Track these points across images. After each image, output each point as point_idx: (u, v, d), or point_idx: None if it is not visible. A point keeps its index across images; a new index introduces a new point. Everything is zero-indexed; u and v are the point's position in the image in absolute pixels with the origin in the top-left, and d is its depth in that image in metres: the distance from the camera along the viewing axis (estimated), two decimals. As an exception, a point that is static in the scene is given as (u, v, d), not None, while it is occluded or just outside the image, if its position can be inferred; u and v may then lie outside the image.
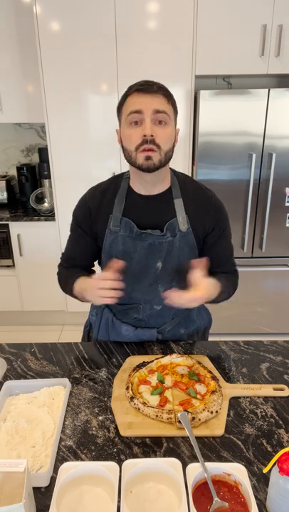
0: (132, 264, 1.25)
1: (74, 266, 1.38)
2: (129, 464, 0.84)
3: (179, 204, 1.23)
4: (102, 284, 1.11)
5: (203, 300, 1.14)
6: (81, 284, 1.26)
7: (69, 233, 1.38)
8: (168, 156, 1.15)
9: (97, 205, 1.27)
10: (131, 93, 1.11)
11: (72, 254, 1.38)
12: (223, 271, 1.32)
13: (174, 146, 1.17)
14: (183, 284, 1.26)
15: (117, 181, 1.28)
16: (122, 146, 1.17)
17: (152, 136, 1.09)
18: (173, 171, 1.28)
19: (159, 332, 1.35)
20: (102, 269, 1.38)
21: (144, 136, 1.09)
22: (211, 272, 1.27)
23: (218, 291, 1.23)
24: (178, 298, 1.09)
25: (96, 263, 1.42)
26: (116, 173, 2.98)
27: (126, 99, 1.12)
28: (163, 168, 1.16)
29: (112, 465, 0.83)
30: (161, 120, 1.10)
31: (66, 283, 1.33)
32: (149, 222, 1.23)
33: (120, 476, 0.81)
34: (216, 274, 1.26)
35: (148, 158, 1.11)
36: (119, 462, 0.87)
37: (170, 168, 1.26)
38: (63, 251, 1.41)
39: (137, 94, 1.09)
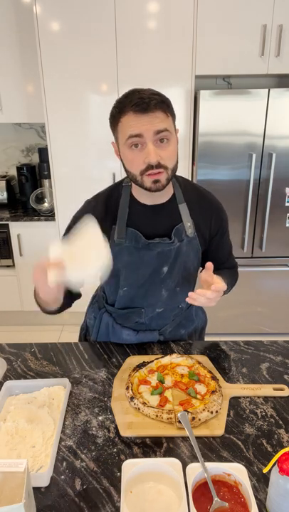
0: (139, 274, 1.23)
1: None
2: (129, 463, 0.84)
3: (184, 209, 1.21)
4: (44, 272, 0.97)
5: (221, 293, 1.09)
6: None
7: None
8: (174, 171, 1.11)
9: (98, 217, 1.16)
10: (127, 112, 1.02)
11: None
12: (226, 267, 1.36)
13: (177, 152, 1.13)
14: (186, 288, 1.27)
15: (117, 190, 1.24)
16: (123, 164, 1.12)
17: (157, 161, 1.04)
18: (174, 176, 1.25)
19: (160, 334, 1.34)
20: (104, 278, 1.36)
21: (150, 162, 1.04)
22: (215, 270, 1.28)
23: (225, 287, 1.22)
24: (203, 297, 1.04)
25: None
26: (116, 173, 2.97)
27: (121, 117, 1.04)
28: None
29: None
30: (162, 138, 1.04)
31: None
32: (155, 231, 1.20)
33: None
34: (218, 271, 1.26)
35: (156, 181, 1.07)
36: (119, 462, 0.87)
37: None
38: None
39: (134, 115, 1.01)
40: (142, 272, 1.23)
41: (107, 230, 1.19)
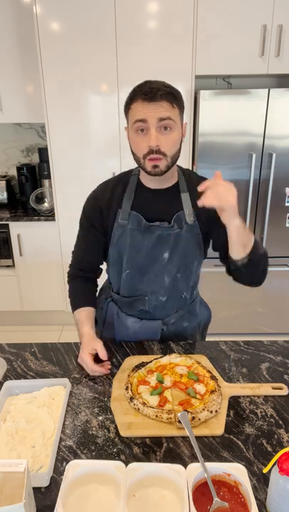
0: (140, 257, 1.27)
1: (84, 267, 1.39)
2: (134, 467, 0.83)
3: (185, 198, 1.26)
4: (90, 371, 1.17)
5: (234, 197, 1.06)
6: (79, 326, 1.30)
7: (70, 235, 1.38)
8: (175, 159, 1.18)
9: (108, 201, 1.29)
10: (136, 99, 1.12)
11: (83, 254, 1.38)
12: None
13: (181, 142, 1.19)
14: (187, 275, 1.32)
15: (127, 177, 1.31)
16: (131, 147, 1.20)
17: (158, 145, 1.11)
18: (179, 167, 1.31)
19: (164, 324, 1.36)
20: (108, 265, 1.39)
21: (150, 146, 1.11)
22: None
23: (252, 240, 1.16)
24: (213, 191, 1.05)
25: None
26: (116, 173, 2.98)
27: (131, 104, 1.14)
28: (171, 168, 1.20)
29: (118, 464, 0.82)
30: (166, 126, 1.11)
31: (71, 300, 1.39)
32: (156, 216, 1.25)
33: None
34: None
35: (155, 166, 1.15)
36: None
37: (176, 165, 1.29)
38: (73, 250, 1.41)
39: (142, 103, 1.10)
40: (143, 255, 1.27)
41: (113, 214, 1.28)
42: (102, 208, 1.29)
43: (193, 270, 1.33)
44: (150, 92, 1.09)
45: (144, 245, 1.26)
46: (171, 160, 1.16)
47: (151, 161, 1.14)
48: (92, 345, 1.20)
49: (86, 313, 1.32)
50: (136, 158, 1.19)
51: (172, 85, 1.14)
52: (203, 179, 1.31)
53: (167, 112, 1.10)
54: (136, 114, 1.12)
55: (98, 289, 1.49)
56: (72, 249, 1.42)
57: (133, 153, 1.19)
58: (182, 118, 1.18)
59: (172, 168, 1.22)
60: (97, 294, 1.51)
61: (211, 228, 1.28)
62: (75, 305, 1.36)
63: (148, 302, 1.33)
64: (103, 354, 1.18)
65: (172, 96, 1.12)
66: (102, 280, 1.48)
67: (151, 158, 1.14)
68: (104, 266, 1.42)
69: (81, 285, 1.39)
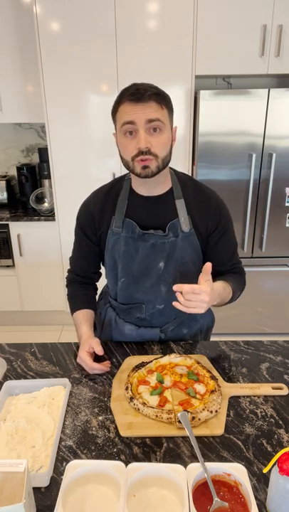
0: (134, 265, 1.25)
1: (80, 273, 1.40)
2: (134, 467, 0.83)
3: (180, 204, 1.22)
4: (89, 369, 1.17)
5: (210, 298, 1.06)
6: (77, 327, 1.32)
7: (70, 235, 1.39)
8: (166, 161, 1.15)
9: (100, 209, 1.27)
10: (123, 102, 1.09)
11: (78, 260, 1.39)
12: (228, 268, 1.32)
13: (172, 147, 1.16)
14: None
15: (119, 183, 1.28)
16: (119, 152, 1.17)
17: (147, 147, 1.08)
18: (174, 171, 1.27)
19: (161, 331, 1.35)
20: (105, 271, 1.38)
21: (140, 148, 1.08)
22: (217, 271, 1.27)
23: (230, 293, 1.24)
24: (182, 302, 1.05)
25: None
26: (116, 173, 2.98)
27: (118, 107, 1.11)
28: (162, 171, 1.16)
29: (118, 464, 0.82)
30: (155, 128, 1.09)
31: (70, 304, 1.40)
32: (151, 223, 1.23)
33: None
34: (224, 276, 1.27)
35: (145, 167, 1.11)
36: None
37: (171, 169, 1.26)
38: (70, 255, 1.42)
39: (129, 104, 1.07)
40: (138, 263, 1.25)
41: (106, 221, 1.26)
42: (94, 215, 1.28)
43: (191, 279, 1.30)
44: (137, 92, 1.07)
45: (139, 253, 1.24)
46: (162, 162, 1.12)
47: (141, 162, 1.10)
48: (89, 343, 1.20)
49: (83, 315, 1.32)
50: (125, 163, 1.16)
51: (161, 88, 1.12)
52: (199, 185, 1.29)
53: (156, 113, 1.07)
54: (123, 116, 1.09)
55: (98, 292, 1.49)
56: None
57: (122, 158, 1.16)
58: (172, 121, 1.14)
59: (164, 172, 1.18)
60: (98, 297, 1.51)
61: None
62: (73, 308, 1.36)
63: (145, 310, 1.32)
64: (99, 349, 1.18)
65: (160, 96, 1.09)
66: (103, 283, 1.48)
67: (141, 159, 1.10)
68: (103, 270, 1.42)
69: (79, 289, 1.39)
